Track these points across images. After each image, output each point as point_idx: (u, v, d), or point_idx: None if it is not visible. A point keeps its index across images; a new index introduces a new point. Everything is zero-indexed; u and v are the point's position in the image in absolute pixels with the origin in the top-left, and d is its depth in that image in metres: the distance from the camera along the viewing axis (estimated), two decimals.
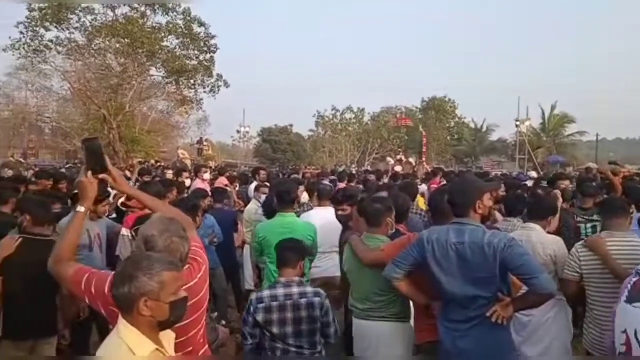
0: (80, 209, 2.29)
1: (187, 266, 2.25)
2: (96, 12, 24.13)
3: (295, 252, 3.39)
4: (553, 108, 42.30)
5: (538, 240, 3.67)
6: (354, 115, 45.04)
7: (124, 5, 24.41)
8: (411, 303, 3.34)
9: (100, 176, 2.29)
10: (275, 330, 3.20)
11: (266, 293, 3.28)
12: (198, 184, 8.78)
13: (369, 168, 29.18)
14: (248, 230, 5.95)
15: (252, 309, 3.23)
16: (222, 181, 9.45)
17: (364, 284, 3.40)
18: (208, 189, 7.36)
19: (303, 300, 3.23)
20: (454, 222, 2.86)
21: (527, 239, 3.63)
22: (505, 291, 2.74)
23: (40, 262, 3.28)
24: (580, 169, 24.27)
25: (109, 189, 4.18)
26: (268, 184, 7.12)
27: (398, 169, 15.45)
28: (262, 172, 9.00)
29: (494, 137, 48.51)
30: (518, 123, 37.61)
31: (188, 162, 21.05)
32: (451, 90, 72.10)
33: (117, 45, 24.41)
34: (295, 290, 3.26)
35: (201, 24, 25.49)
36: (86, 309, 3.76)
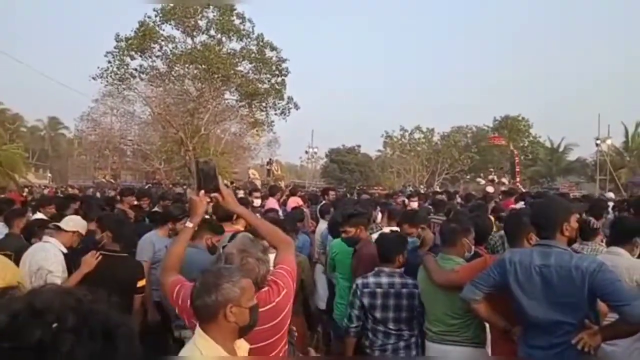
0: (189, 224, 2.46)
1: (265, 288, 2.29)
2: (176, 40, 25.62)
3: (392, 247, 3.60)
4: (637, 125, 39.79)
5: (623, 265, 3.45)
6: (422, 135, 44.47)
7: (202, 34, 25.73)
8: (487, 328, 3.24)
9: (212, 195, 2.44)
10: (377, 314, 3.49)
11: (371, 280, 3.53)
12: (271, 203, 8.97)
13: (437, 188, 28.59)
14: (320, 250, 6.00)
15: (358, 292, 3.52)
16: (296, 201, 9.60)
17: (437, 306, 3.35)
18: (279, 209, 7.51)
19: (404, 290, 3.49)
20: (537, 243, 2.78)
21: (611, 263, 3.42)
22: (592, 318, 2.61)
23: (116, 277, 3.56)
24: None
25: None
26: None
27: (489, 189, 14.85)
28: (332, 192, 9.10)
29: (571, 156, 46.15)
30: (598, 142, 35.63)
31: (258, 183, 21.59)
32: (524, 108, 69.44)
33: (195, 71, 25.68)
34: (397, 280, 3.52)
35: (273, 48, 26.34)
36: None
